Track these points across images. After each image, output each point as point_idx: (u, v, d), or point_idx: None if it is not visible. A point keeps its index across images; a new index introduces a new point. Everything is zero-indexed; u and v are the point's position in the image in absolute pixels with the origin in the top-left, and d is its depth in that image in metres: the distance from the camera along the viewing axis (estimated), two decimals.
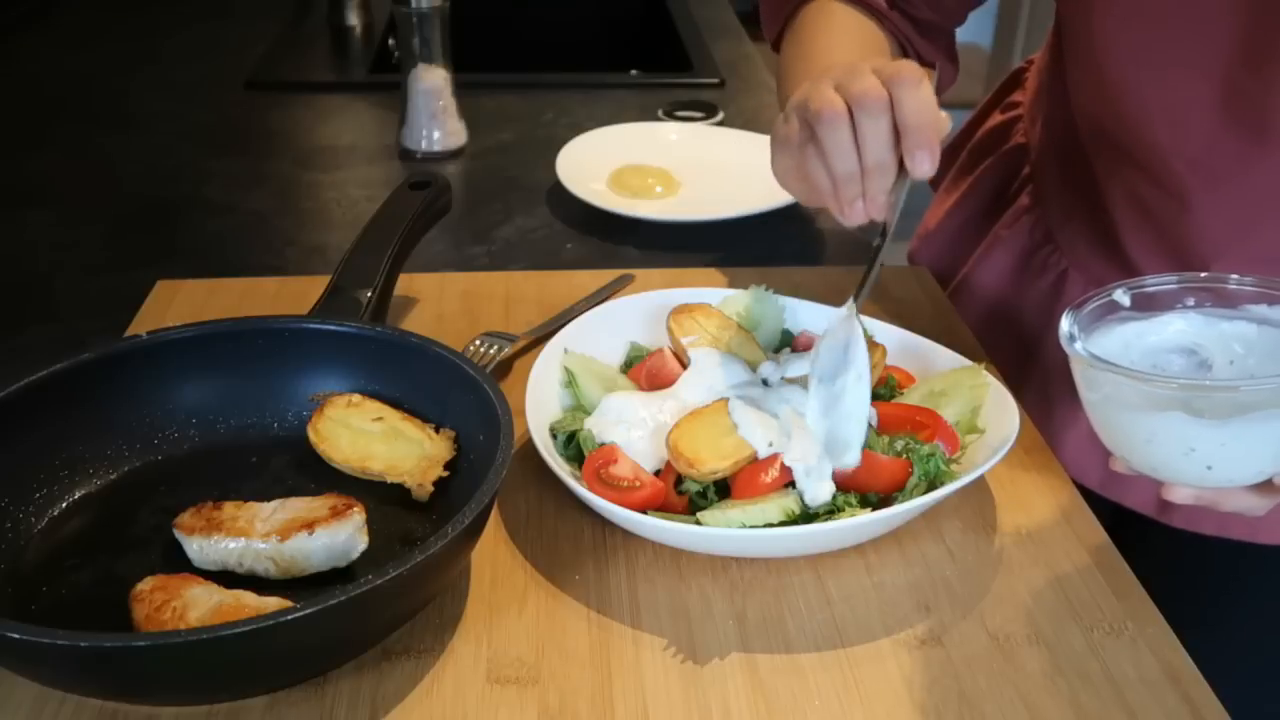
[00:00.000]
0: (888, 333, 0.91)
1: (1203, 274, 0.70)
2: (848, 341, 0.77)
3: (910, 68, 0.75)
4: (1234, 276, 0.69)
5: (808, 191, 0.81)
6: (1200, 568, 0.98)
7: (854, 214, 0.77)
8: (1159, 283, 0.70)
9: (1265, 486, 0.67)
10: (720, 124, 1.54)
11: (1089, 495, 0.89)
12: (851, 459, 0.76)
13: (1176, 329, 0.69)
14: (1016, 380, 1.00)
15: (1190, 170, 0.87)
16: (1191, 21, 0.82)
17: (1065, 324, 0.68)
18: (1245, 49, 0.80)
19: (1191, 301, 0.70)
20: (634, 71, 1.85)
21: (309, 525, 0.70)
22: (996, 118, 1.18)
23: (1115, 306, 0.70)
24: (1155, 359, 0.69)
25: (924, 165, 0.74)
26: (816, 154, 0.77)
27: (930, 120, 0.74)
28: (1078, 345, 0.67)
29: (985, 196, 1.14)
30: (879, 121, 0.74)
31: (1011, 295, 1.07)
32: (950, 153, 1.24)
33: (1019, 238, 1.07)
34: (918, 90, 0.73)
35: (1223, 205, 0.87)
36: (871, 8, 0.99)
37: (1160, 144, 0.88)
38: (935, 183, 1.25)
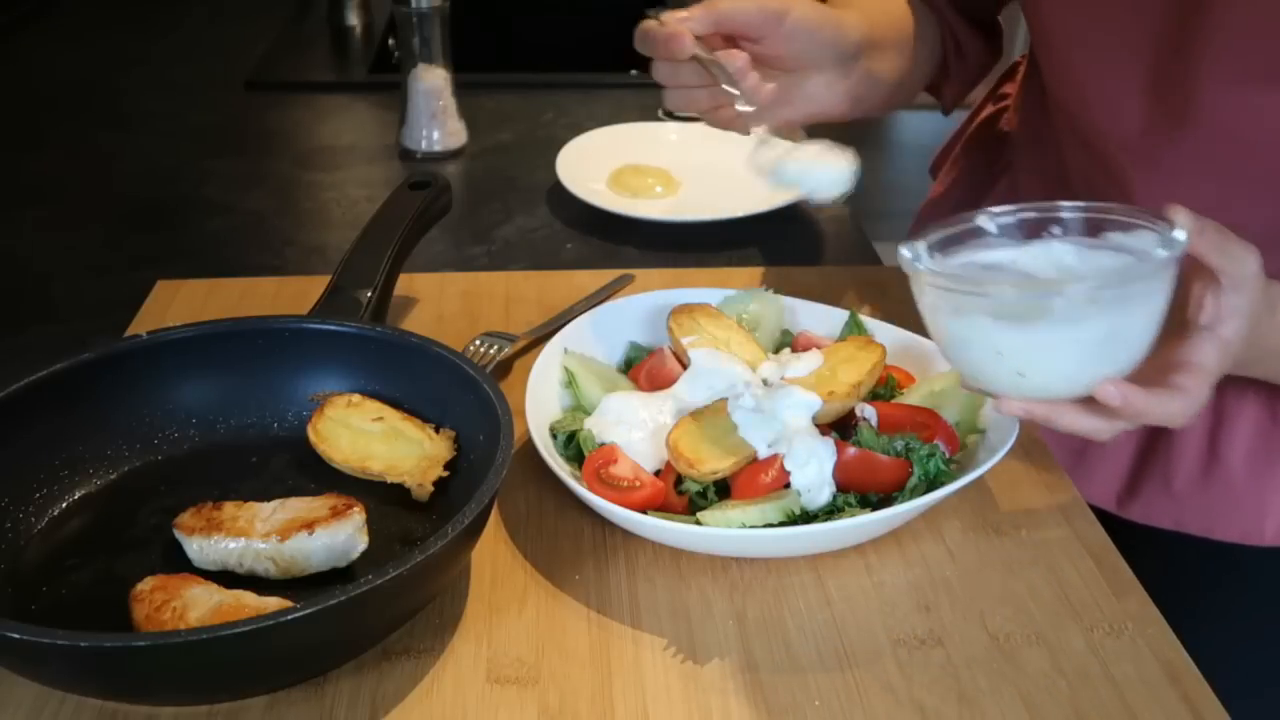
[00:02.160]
0: (888, 333, 0.91)
1: (1051, 203, 0.71)
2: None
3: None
4: (1067, 204, 0.70)
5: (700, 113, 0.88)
6: (1164, 566, 0.98)
7: (730, 117, 0.85)
8: (1015, 210, 0.72)
9: (1094, 406, 0.67)
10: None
11: None
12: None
13: (1034, 256, 0.70)
14: None
15: (1126, 155, 0.88)
16: (1123, 6, 0.83)
17: (905, 249, 0.69)
18: (1169, 34, 0.81)
19: (1057, 231, 0.71)
20: (634, 71, 1.85)
21: (309, 525, 0.70)
22: (989, 109, 1.19)
23: (981, 233, 0.72)
24: (983, 275, 0.70)
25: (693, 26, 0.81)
26: (673, 92, 0.87)
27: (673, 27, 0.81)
28: (902, 250, 0.68)
29: (970, 184, 1.16)
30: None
31: None
32: (949, 146, 1.24)
33: None
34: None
35: (1158, 190, 0.87)
36: None
37: (1099, 127, 0.89)
38: (934, 173, 1.26)
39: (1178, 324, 0.68)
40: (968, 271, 0.69)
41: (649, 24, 0.82)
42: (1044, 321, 0.64)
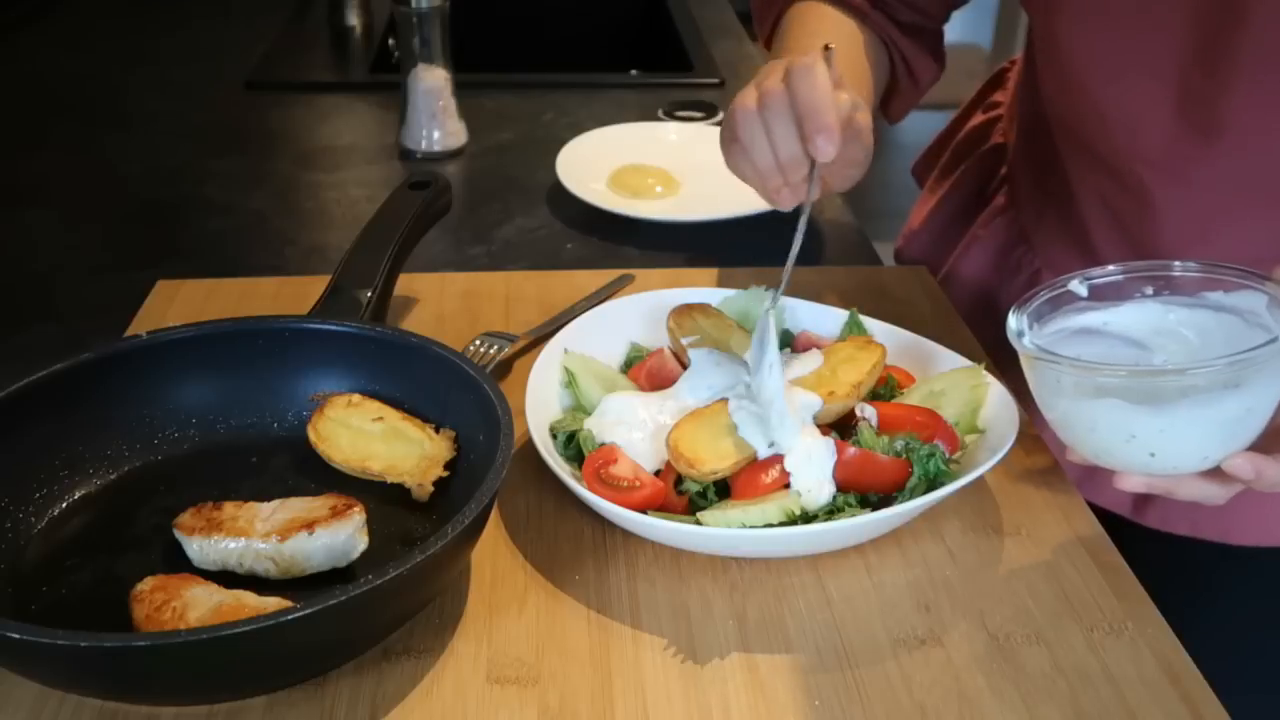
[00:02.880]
0: (888, 333, 0.91)
1: (1153, 262, 0.70)
2: (763, 333, 0.79)
3: (801, 59, 0.78)
4: (1178, 263, 0.69)
5: (745, 179, 0.85)
6: (1178, 569, 0.98)
7: (781, 201, 0.82)
8: (1111, 273, 0.71)
9: (1218, 474, 0.67)
10: (720, 124, 1.54)
11: None
12: (780, 444, 0.76)
13: (1130, 318, 0.70)
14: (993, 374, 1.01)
15: (1149, 171, 0.88)
16: (1146, 26, 0.83)
17: (1012, 320, 0.69)
18: (1198, 52, 0.80)
19: (1150, 290, 0.70)
20: (634, 71, 1.85)
21: (309, 525, 0.70)
22: (978, 117, 1.19)
23: (1072, 297, 0.71)
24: (1101, 348, 0.69)
25: (824, 150, 0.77)
26: (740, 152, 0.82)
27: (822, 105, 0.76)
28: (1025, 339, 0.68)
29: (965, 196, 1.16)
30: (781, 117, 0.78)
31: (989, 293, 1.08)
32: (934, 151, 1.24)
33: (995, 237, 1.09)
34: (808, 77, 0.76)
35: (1182, 205, 0.87)
36: (853, 7, 1.00)
37: (1119, 145, 0.88)
38: (921, 181, 1.26)
39: None
40: (1067, 343, 0.69)
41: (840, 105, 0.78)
42: (1182, 404, 0.62)
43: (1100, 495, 0.97)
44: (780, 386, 0.77)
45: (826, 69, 0.78)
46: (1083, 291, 0.71)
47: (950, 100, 1.33)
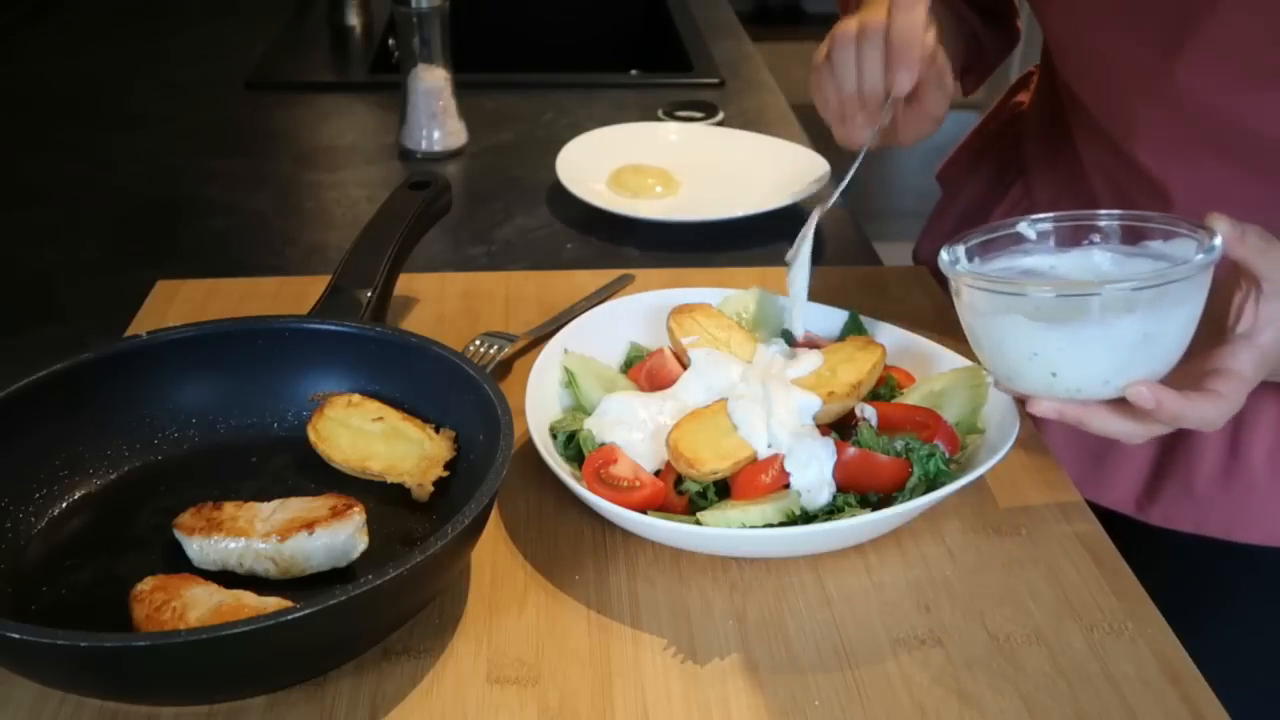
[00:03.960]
0: (888, 333, 0.91)
1: (1097, 211, 0.73)
2: (806, 230, 0.89)
3: None
4: (1119, 212, 0.72)
5: (823, 106, 0.89)
6: (1182, 569, 0.98)
7: (851, 132, 0.86)
8: (1061, 218, 0.74)
9: (1127, 408, 0.67)
10: (720, 124, 1.54)
11: None
12: (793, 328, 0.88)
13: (1074, 263, 0.73)
14: None
15: (1138, 144, 0.88)
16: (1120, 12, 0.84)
17: (944, 253, 0.72)
18: (1160, 40, 0.81)
19: (1096, 238, 0.73)
20: (634, 71, 1.85)
21: (309, 525, 0.70)
22: (1001, 116, 1.19)
23: (1020, 239, 0.74)
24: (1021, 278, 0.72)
25: (902, 80, 0.81)
26: (828, 73, 0.86)
27: (912, 40, 0.80)
28: (942, 253, 0.72)
29: (983, 191, 1.16)
30: (875, 47, 0.82)
31: None
32: (956, 153, 1.24)
33: None
34: (909, 12, 0.80)
35: (1180, 180, 0.87)
36: None
37: (1113, 110, 0.89)
38: (942, 182, 1.26)
39: (1215, 330, 0.68)
40: (1006, 275, 0.71)
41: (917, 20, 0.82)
42: (1079, 323, 0.65)
43: (1104, 494, 0.97)
44: (806, 282, 0.87)
45: (925, 10, 0.81)
46: (1031, 234, 0.74)
47: (956, 103, 1.33)
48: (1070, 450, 0.97)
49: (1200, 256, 0.65)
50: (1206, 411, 0.67)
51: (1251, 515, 0.93)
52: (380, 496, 0.78)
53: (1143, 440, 0.70)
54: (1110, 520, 0.94)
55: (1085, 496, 0.95)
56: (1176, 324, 0.66)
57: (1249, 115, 0.80)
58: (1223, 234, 0.65)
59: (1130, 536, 0.83)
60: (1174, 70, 0.81)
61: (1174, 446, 0.94)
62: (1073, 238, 0.73)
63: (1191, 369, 0.68)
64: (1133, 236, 0.71)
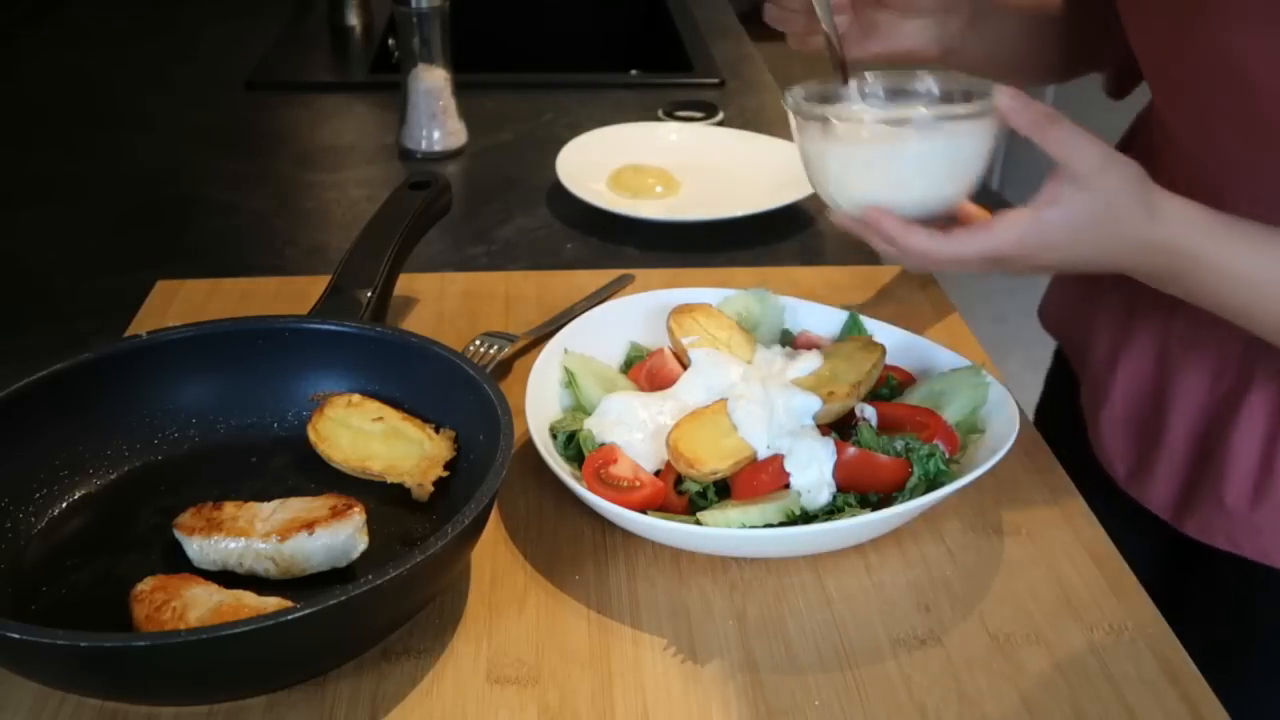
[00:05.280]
0: (888, 333, 0.91)
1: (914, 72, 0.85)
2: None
3: None
4: (922, 71, 0.84)
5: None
6: (1221, 599, 0.94)
7: (788, 17, 0.91)
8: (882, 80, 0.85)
9: (932, 225, 0.74)
10: (720, 124, 1.54)
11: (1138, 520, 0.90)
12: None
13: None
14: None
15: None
16: None
17: (788, 95, 0.80)
18: None
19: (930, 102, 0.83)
20: (634, 71, 1.85)
21: (309, 525, 0.70)
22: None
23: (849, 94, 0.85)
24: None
25: None
26: None
27: None
28: (785, 94, 0.80)
29: None
30: None
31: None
32: None
33: None
34: None
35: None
36: None
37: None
38: None
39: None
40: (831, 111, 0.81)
41: None
42: (859, 144, 0.77)
43: (1147, 496, 0.93)
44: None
45: None
46: (856, 95, 0.85)
47: None
48: (1117, 448, 0.94)
49: (964, 108, 0.75)
50: (921, 244, 0.73)
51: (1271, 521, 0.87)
52: (380, 496, 0.78)
53: (895, 264, 0.80)
54: (1153, 529, 0.91)
55: (1132, 494, 0.92)
56: (933, 159, 0.76)
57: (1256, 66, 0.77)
58: (1001, 102, 0.72)
59: (1177, 558, 0.81)
60: (1194, 26, 0.78)
61: (1211, 453, 0.89)
62: (895, 97, 0.84)
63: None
64: (946, 97, 0.82)
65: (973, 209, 0.79)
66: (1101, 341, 0.96)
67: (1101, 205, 0.71)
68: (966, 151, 0.76)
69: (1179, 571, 0.94)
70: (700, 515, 0.75)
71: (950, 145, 0.75)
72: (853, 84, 0.84)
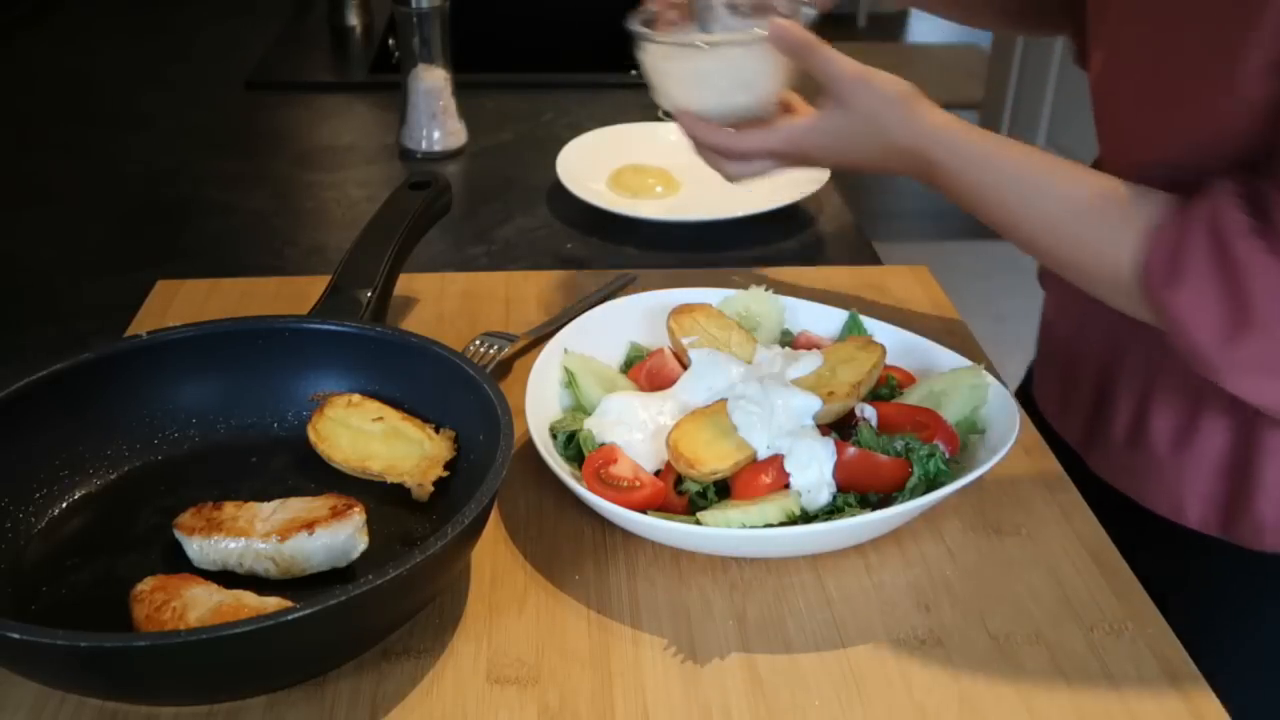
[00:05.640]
0: (888, 333, 0.91)
1: None
2: None
3: None
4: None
5: None
6: (1212, 580, 0.96)
7: None
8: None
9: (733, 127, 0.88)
10: None
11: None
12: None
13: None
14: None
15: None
16: None
17: (631, 22, 0.91)
18: None
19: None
20: (634, 72, 1.85)
21: (309, 525, 0.70)
22: None
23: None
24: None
25: None
26: None
27: None
28: (630, 24, 0.91)
29: None
30: None
31: None
32: None
33: None
34: None
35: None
36: None
37: None
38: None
39: None
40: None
41: None
42: (672, 57, 0.90)
43: (1065, 427, 0.99)
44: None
45: None
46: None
47: (955, 102, 1.33)
48: (1047, 387, 1.02)
49: (738, 35, 0.88)
50: (717, 139, 0.89)
51: (1156, 484, 0.92)
52: (380, 496, 0.78)
53: (718, 170, 0.92)
54: (1150, 521, 0.93)
55: (1056, 429, 0.99)
56: (726, 77, 0.88)
57: None
58: (770, 30, 0.84)
59: (1123, 526, 0.84)
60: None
61: (1106, 393, 0.95)
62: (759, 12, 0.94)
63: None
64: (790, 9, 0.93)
65: (795, 107, 0.92)
66: (1052, 287, 1.04)
67: (861, 118, 0.83)
68: (747, 70, 0.87)
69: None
70: (700, 515, 0.75)
71: (730, 65, 0.87)
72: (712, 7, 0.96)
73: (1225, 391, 0.78)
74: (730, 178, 0.93)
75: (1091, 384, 0.96)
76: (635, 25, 0.93)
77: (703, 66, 0.89)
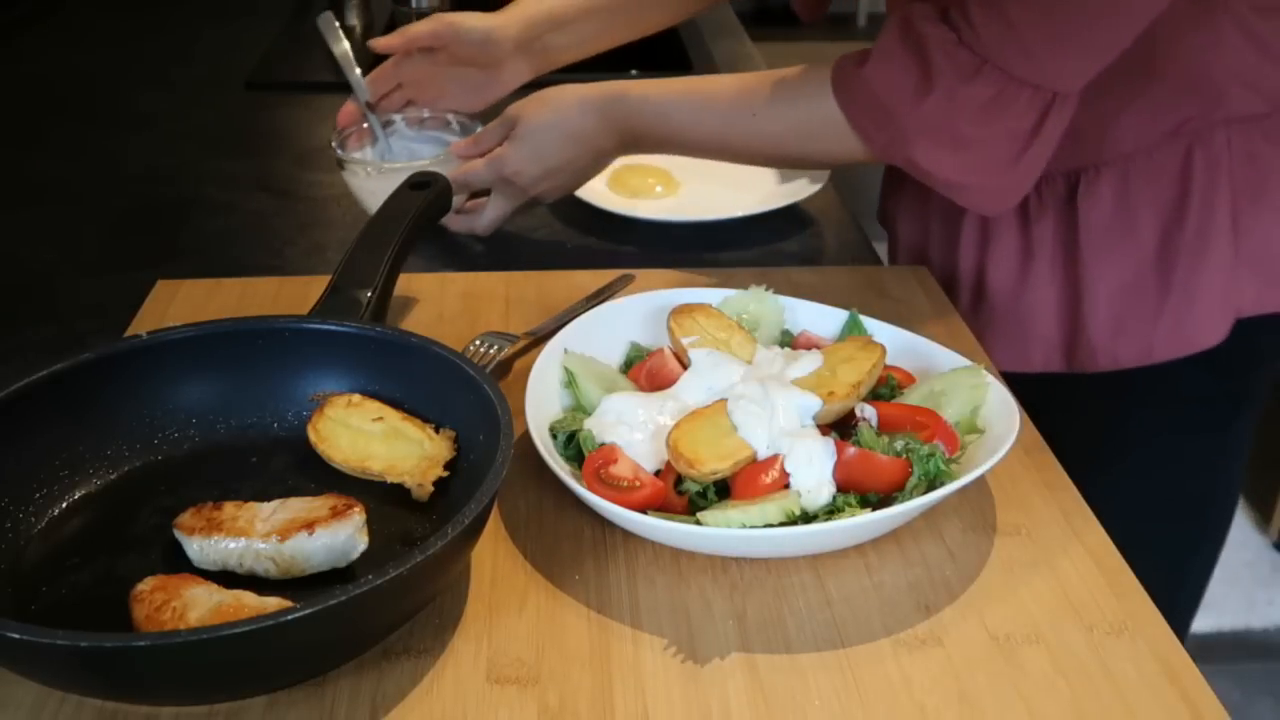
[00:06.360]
0: (888, 333, 0.91)
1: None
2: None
3: None
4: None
5: None
6: (1092, 410, 1.07)
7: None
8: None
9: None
10: None
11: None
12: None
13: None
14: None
15: None
16: None
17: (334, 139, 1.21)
18: None
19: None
20: (634, 71, 1.85)
21: (309, 525, 0.70)
22: None
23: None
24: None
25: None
26: None
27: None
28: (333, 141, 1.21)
29: None
30: None
31: None
32: None
33: None
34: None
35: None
36: None
37: None
38: None
39: None
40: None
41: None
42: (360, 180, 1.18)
43: (952, 274, 1.11)
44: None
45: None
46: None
47: None
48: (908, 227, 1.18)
49: (401, 165, 1.17)
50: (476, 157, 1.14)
51: (998, 337, 1.05)
52: (380, 496, 0.78)
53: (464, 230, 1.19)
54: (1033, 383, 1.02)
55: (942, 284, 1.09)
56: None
57: None
58: (455, 148, 1.15)
59: (1058, 392, 0.97)
60: None
61: (950, 272, 1.10)
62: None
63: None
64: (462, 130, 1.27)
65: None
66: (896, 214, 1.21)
67: (545, 124, 1.09)
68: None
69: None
70: (700, 515, 0.75)
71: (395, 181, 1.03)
72: (395, 123, 1.28)
73: (1047, 243, 0.95)
74: (481, 230, 1.15)
75: (939, 272, 1.10)
76: (341, 152, 1.17)
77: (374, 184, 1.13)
